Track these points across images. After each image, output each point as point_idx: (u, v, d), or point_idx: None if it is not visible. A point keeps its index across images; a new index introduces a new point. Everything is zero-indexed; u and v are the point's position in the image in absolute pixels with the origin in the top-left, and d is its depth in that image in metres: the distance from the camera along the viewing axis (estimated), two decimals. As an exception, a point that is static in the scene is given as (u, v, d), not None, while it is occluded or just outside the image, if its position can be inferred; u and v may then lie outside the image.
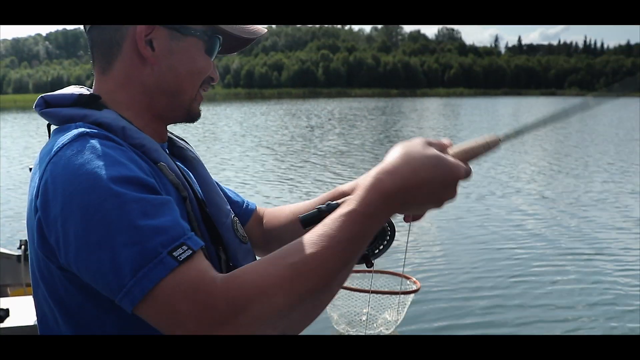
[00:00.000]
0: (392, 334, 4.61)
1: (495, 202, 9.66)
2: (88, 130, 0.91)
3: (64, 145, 0.89)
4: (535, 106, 56.83)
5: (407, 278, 4.56)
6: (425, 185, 0.84)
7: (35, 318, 2.84)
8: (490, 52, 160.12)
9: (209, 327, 0.78)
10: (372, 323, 4.62)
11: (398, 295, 4.41)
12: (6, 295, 4.15)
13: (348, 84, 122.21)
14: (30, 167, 3.66)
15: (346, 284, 4.27)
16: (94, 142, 0.88)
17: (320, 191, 9.84)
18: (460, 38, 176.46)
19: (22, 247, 3.94)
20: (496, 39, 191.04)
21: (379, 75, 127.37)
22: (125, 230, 0.80)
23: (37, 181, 0.90)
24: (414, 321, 4.87)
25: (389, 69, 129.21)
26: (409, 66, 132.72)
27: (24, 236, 4.14)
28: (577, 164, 14.40)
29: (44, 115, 0.99)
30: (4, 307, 3.48)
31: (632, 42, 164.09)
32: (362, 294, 4.39)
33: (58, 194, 0.85)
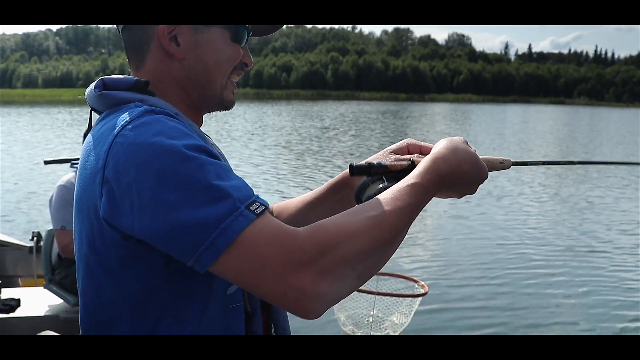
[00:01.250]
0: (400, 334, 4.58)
1: (502, 204, 9.58)
2: (153, 108, 0.96)
3: (132, 119, 0.92)
4: (544, 114, 56.72)
5: (415, 281, 4.53)
6: (465, 176, 1.01)
7: (47, 308, 2.72)
8: (500, 59, 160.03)
9: (296, 267, 0.84)
10: (379, 325, 4.60)
11: (405, 298, 4.39)
12: (17, 286, 4.24)
13: (357, 87, 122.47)
14: (46, 159, 3.61)
15: None
16: (162, 117, 0.93)
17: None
18: (470, 44, 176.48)
19: (35, 238, 4.02)
20: (506, 46, 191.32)
21: (388, 78, 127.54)
22: (204, 189, 0.85)
23: (103, 154, 0.91)
24: (422, 325, 4.79)
25: (398, 73, 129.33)
26: (418, 71, 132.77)
27: (37, 228, 4.19)
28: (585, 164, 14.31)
29: (101, 97, 1.01)
30: (16, 297, 3.61)
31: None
32: (369, 296, 4.35)
33: (132, 162, 0.87)
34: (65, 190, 3.47)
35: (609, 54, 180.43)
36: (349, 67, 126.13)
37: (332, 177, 1.05)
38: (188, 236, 0.85)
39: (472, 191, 1.04)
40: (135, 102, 0.98)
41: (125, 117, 0.93)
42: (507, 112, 58.42)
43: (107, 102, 1.01)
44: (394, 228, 0.91)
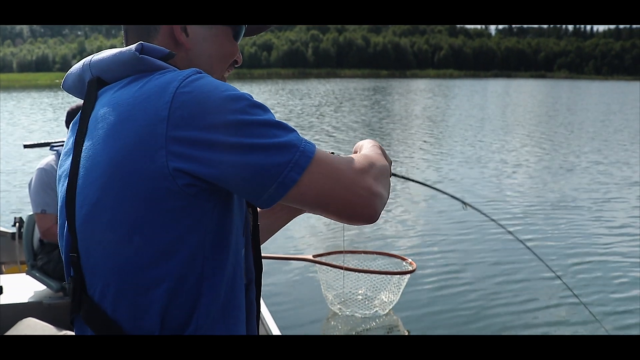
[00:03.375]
0: (388, 314, 4.59)
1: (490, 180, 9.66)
2: (199, 70, 0.99)
3: (189, 75, 0.96)
4: (525, 87, 56.99)
5: (403, 259, 4.56)
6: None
7: (30, 295, 2.66)
8: (481, 33, 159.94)
9: (361, 173, 1.02)
10: (368, 303, 4.65)
11: (394, 276, 4.41)
12: (0, 273, 4.18)
13: (338, 65, 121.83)
14: (25, 144, 3.51)
15: (343, 264, 4.28)
16: (212, 77, 0.99)
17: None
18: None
19: (17, 224, 3.93)
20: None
21: (369, 56, 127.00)
22: (276, 124, 0.96)
23: (164, 106, 0.94)
24: (410, 303, 4.83)
25: (379, 50, 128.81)
26: (399, 47, 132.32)
27: (18, 214, 4.13)
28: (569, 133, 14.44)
29: (141, 60, 1.01)
30: None
31: (621, 26, 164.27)
32: (358, 274, 4.38)
33: (206, 108, 0.93)
34: (44, 173, 3.41)
35: (588, 28, 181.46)
36: (330, 45, 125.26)
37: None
38: (273, 164, 0.94)
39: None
40: (164, 70, 1.02)
41: (178, 74, 0.97)
42: (488, 86, 58.60)
43: (142, 66, 1.02)
44: (387, 163, 1.17)
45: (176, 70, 1.01)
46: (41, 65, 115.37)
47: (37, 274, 3.50)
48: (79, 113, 1.12)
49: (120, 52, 1.04)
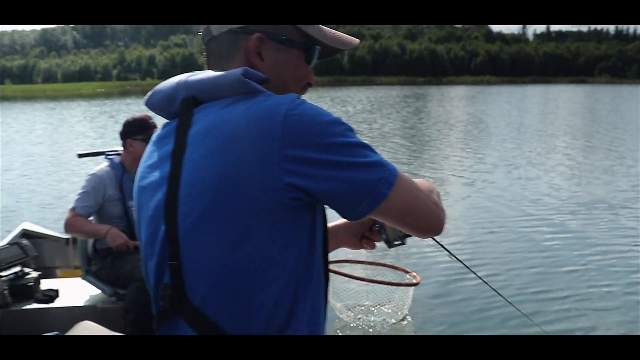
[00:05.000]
0: (394, 326, 4.59)
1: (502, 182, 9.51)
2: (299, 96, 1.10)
3: (294, 99, 1.06)
4: (565, 93, 55.85)
5: (407, 272, 4.54)
6: None
7: (85, 299, 2.78)
8: (518, 39, 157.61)
9: (433, 191, 1.22)
10: (376, 312, 4.68)
11: (398, 289, 4.44)
12: (55, 277, 4.34)
13: (373, 72, 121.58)
14: (79, 152, 3.71)
15: (350, 273, 4.30)
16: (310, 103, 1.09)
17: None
18: (487, 25, 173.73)
19: None
20: (524, 26, 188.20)
21: (405, 63, 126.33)
22: (366, 146, 1.07)
23: (277, 126, 1.03)
24: (417, 317, 4.74)
25: (414, 57, 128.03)
26: (435, 53, 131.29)
27: None
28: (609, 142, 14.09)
29: (243, 83, 1.10)
30: (55, 288, 3.68)
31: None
32: (363, 286, 4.41)
33: (315, 129, 1.04)
34: (95, 179, 3.56)
35: (631, 30, 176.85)
36: (365, 52, 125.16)
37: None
38: (368, 179, 1.05)
39: None
40: (266, 93, 1.10)
41: (285, 98, 1.07)
42: (527, 93, 57.67)
43: (245, 89, 1.10)
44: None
45: (268, 94, 1.09)
46: (84, 75, 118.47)
47: (91, 279, 3.63)
48: (162, 128, 1.19)
49: (223, 75, 1.11)
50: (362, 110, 30.32)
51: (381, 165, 1.06)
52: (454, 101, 41.51)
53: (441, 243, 1.59)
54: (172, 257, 1.09)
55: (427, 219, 1.14)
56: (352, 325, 4.62)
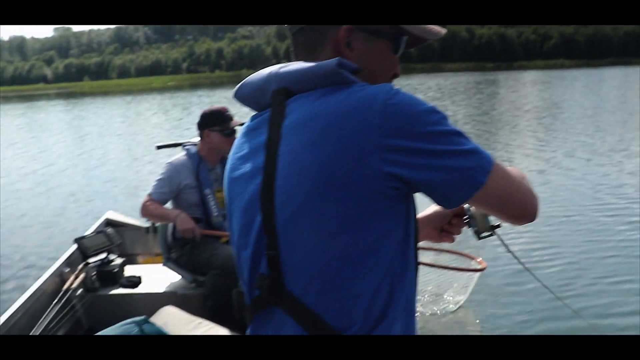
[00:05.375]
0: (456, 311, 4.55)
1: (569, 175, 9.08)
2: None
3: (392, 89, 1.06)
4: (647, 76, 52.82)
5: (472, 258, 4.43)
6: None
7: (167, 285, 2.90)
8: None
9: (523, 179, 1.17)
10: (438, 299, 4.63)
11: (463, 273, 4.37)
12: (137, 263, 4.53)
13: (441, 59, 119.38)
14: (158, 144, 3.85)
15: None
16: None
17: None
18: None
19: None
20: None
21: (473, 48, 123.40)
22: (462, 134, 1.06)
23: (376, 114, 1.02)
24: (480, 301, 4.67)
25: (483, 42, 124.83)
26: (505, 38, 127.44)
27: None
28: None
29: (338, 74, 1.09)
30: (137, 274, 3.83)
31: None
32: (427, 273, 4.34)
33: (414, 119, 1.03)
34: (172, 167, 3.67)
35: None
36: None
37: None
38: (466, 167, 1.04)
39: None
40: (360, 83, 1.10)
41: (382, 87, 1.06)
42: (604, 76, 54.94)
43: (338, 79, 1.09)
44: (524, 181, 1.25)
45: (362, 84, 1.08)
46: (155, 69, 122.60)
47: (172, 266, 3.75)
48: (252, 119, 1.19)
49: (317, 66, 1.10)
50: (432, 98, 29.80)
51: (477, 152, 1.05)
52: (527, 86, 40.12)
53: (505, 242, 1.58)
54: (270, 247, 1.08)
55: (523, 205, 1.12)
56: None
